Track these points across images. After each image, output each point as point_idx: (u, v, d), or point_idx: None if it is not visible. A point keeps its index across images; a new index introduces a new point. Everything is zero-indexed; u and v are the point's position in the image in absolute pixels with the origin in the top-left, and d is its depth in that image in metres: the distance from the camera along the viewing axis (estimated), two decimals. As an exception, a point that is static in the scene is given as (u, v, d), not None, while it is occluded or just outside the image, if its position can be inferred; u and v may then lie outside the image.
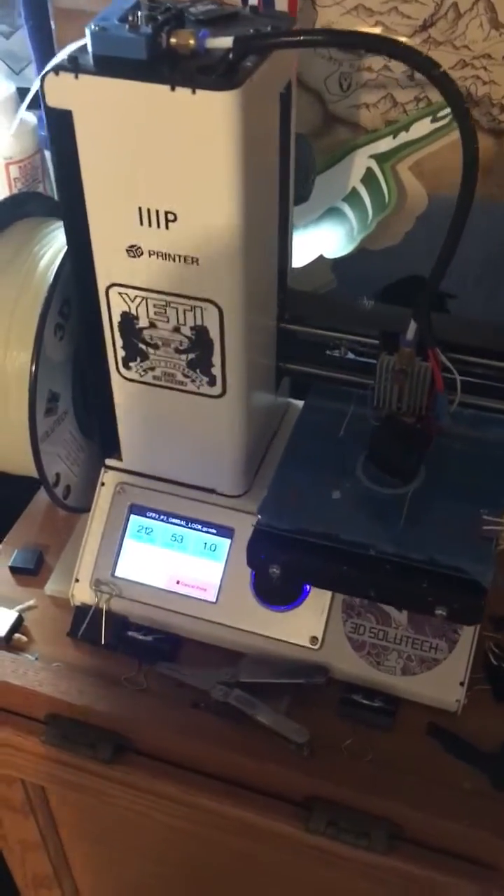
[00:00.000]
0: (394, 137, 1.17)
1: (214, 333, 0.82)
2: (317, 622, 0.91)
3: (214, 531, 0.95)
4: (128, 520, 0.97)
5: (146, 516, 0.97)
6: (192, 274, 0.77)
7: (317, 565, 0.83)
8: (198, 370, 0.85)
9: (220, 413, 0.88)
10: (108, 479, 0.97)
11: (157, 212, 0.74)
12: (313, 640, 0.91)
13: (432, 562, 0.80)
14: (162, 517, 0.96)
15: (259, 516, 0.84)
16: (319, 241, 1.22)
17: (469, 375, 0.88)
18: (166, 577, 0.95)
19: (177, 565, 0.95)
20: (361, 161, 1.20)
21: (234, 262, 0.77)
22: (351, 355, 0.95)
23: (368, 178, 1.20)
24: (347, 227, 1.22)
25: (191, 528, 0.96)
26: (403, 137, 1.17)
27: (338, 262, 1.31)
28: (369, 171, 1.20)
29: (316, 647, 0.91)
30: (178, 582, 0.95)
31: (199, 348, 0.84)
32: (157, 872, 1.13)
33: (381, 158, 1.19)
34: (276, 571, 0.84)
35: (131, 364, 0.87)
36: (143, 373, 0.87)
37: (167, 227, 0.75)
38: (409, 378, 0.86)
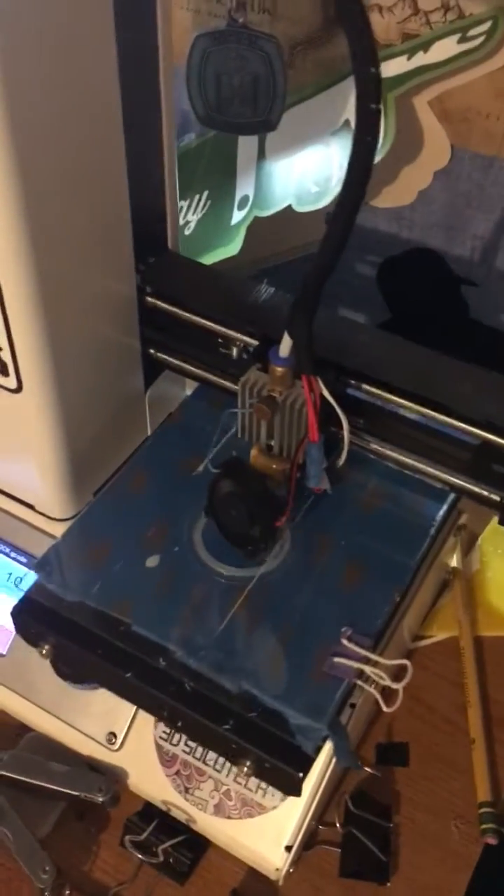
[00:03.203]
0: (409, 58, 0.87)
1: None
2: (118, 714, 0.66)
3: (23, 559, 0.71)
4: None
5: None
6: None
7: (93, 661, 0.58)
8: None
9: (20, 412, 0.62)
10: None
11: None
12: (110, 737, 0.66)
13: (243, 696, 0.54)
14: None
15: (36, 573, 0.60)
16: (289, 185, 0.93)
17: (375, 416, 0.60)
18: None
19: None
20: (361, 86, 0.89)
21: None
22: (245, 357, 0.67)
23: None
24: (327, 171, 0.92)
25: None
26: (421, 59, 0.86)
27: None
28: (369, 100, 0.89)
29: (114, 747, 0.66)
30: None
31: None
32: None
33: (388, 84, 0.88)
34: (45, 652, 0.60)
35: None
36: None
37: None
38: (281, 411, 0.59)
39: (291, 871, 0.63)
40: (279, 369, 0.57)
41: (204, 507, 0.61)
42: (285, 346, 0.56)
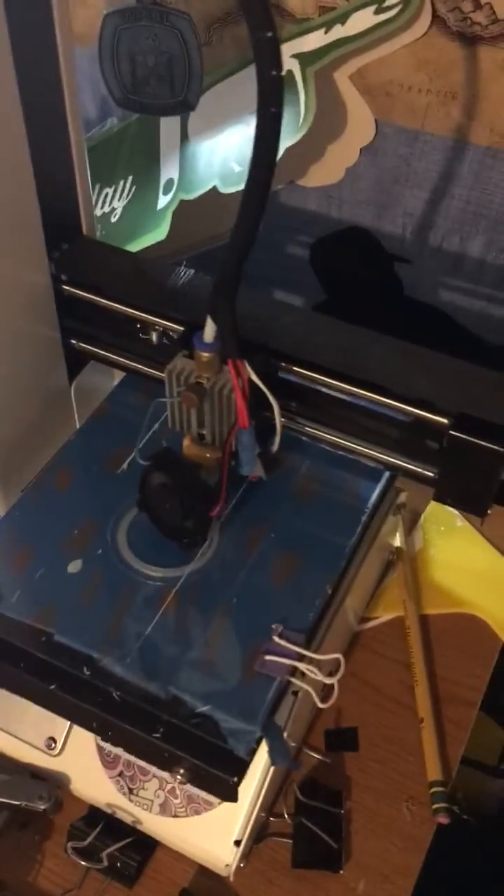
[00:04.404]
0: (326, 31, 0.85)
1: None
2: (56, 718, 0.64)
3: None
4: None
5: None
6: None
7: (14, 674, 0.56)
8: None
9: None
10: None
11: None
12: (49, 742, 0.64)
13: (173, 702, 0.52)
14: None
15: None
16: (213, 167, 0.91)
17: (307, 398, 0.59)
18: None
19: None
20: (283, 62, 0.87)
21: None
22: (166, 342, 0.65)
23: (286, 86, 0.88)
24: (250, 150, 0.89)
25: None
26: (339, 32, 0.84)
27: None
28: (289, 75, 0.87)
29: (54, 752, 0.64)
30: None
31: None
32: None
33: (306, 59, 0.87)
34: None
35: None
36: None
37: None
38: (210, 397, 0.57)
39: (242, 865, 0.62)
40: (205, 355, 0.55)
41: (136, 501, 0.59)
42: (209, 330, 0.54)
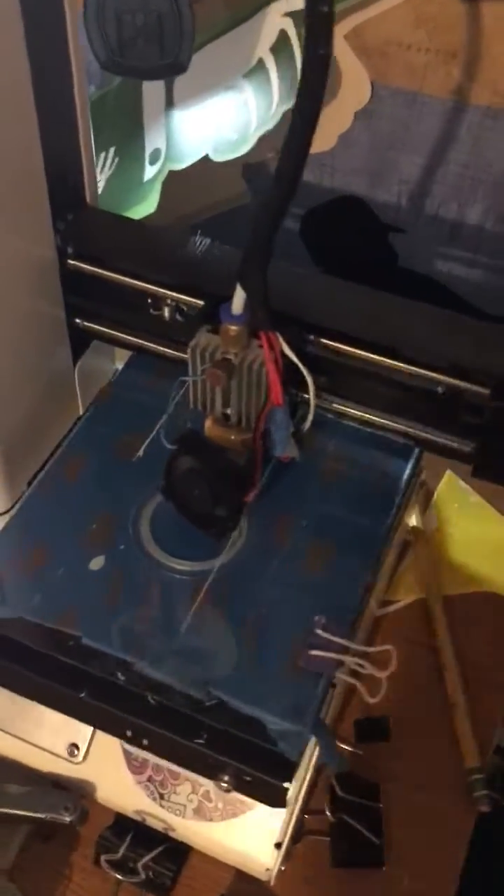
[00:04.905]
0: (322, -12, 0.80)
1: None
2: (78, 723, 0.60)
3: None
4: None
5: None
6: None
7: (40, 683, 0.51)
8: None
9: None
10: None
11: None
12: (72, 749, 0.60)
13: (215, 705, 0.49)
14: None
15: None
16: (204, 134, 0.86)
17: (336, 372, 0.55)
18: None
19: None
20: (274, 21, 0.83)
21: None
22: (180, 318, 0.61)
23: (280, 47, 0.83)
24: (245, 116, 0.85)
25: None
26: (336, -12, 0.80)
27: (253, 168, 0.96)
28: (283, 35, 0.83)
29: (77, 759, 0.60)
30: None
31: None
32: None
33: (301, 17, 0.82)
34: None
35: None
36: None
37: None
38: (238, 374, 0.53)
39: (283, 868, 0.59)
40: (233, 328, 0.51)
41: (161, 488, 0.55)
42: (238, 301, 0.50)
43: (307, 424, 0.55)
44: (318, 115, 0.45)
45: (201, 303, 0.58)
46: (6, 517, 0.62)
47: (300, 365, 0.51)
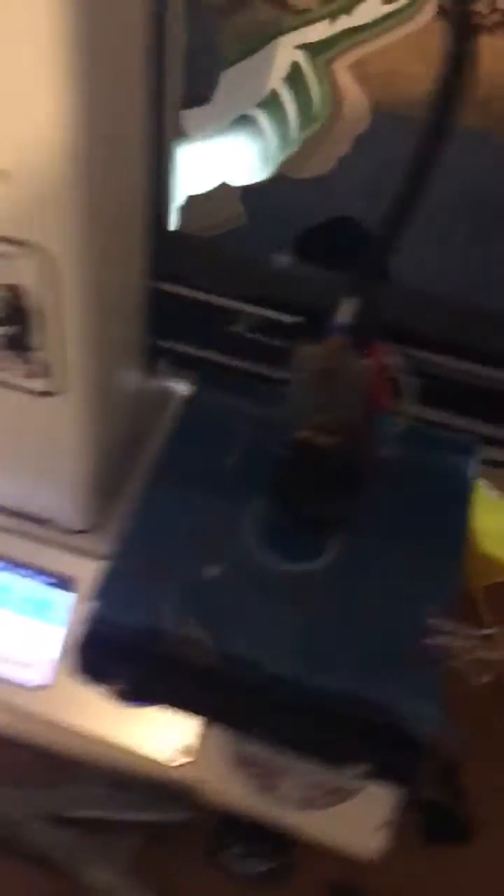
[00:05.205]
0: (332, 21, 0.86)
1: (38, 297, 0.50)
2: (186, 723, 0.62)
3: (50, 580, 0.65)
4: None
5: None
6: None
7: (180, 690, 0.54)
8: (17, 354, 0.54)
9: (51, 417, 0.57)
10: None
11: None
12: (181, 749, 0.62)
13: (346, 697, 0.52)
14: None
15: (95, 603, 0.54)
16: (223, 160, 0.90)
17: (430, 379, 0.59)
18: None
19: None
20: (287, 53, 0.88)
21: (66, 180, 0.45)
22: (259, 336, 0.65)
23: (294, 78, 0.88)
24: (261, 143, 0.90)
25: (13, 572, 0.65)
26: (345, 23, 0.85)
27: (249, 192, 1.00)
28: (296, 67, 0.88)
29: (186, 758, 0.62)
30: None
31: (15, 320, 0.52)
32: None
33: (313, 50, 0.87)
34: (124, 690, 0.55)
35: None
36: None
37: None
38: (340, 382, 0.57)
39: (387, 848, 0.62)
40: (336, 340, 0.55)
41: (271, 488, 0.57)
42: (346, 310, 0.54)
43: (401, 427, 0.59)
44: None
45: (283, 318, 0.61)
46: (90, 536, 0.64)
47: (403, 377, 0.55)
